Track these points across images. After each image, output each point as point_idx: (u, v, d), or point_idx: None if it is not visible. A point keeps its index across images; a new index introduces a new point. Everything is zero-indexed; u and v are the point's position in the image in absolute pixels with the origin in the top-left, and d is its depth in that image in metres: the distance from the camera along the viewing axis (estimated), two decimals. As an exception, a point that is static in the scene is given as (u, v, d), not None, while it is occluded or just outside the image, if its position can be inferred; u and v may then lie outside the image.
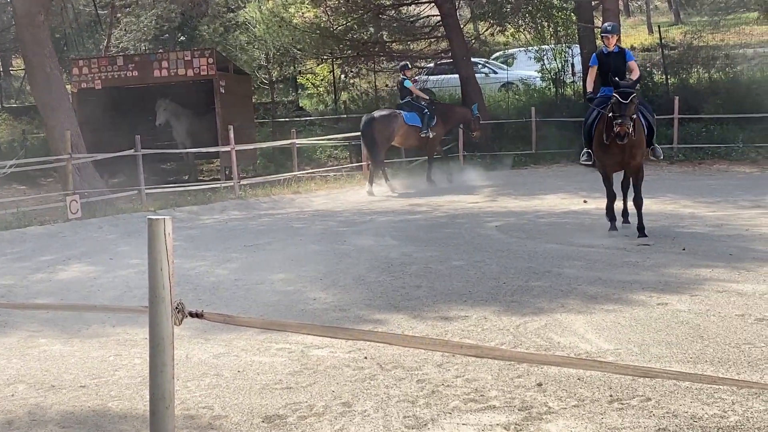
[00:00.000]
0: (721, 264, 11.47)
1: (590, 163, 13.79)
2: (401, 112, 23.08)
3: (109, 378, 7.93)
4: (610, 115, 12.29)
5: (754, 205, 16.89)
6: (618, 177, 14.14)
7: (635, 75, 13.39)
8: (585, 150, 13.59)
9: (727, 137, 24.32)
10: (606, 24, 14.74)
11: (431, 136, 22.89)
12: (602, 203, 17.74)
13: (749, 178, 21.89)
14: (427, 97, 24.15)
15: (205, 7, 34.54)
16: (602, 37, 14.08)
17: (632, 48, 30.94)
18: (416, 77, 24.57)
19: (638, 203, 13.33)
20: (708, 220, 15.43)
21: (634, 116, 12.35)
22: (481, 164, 24.49)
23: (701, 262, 11.64)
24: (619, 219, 14.25)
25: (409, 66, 24.95)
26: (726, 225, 14.75)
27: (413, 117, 22.78)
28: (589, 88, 14.24)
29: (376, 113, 24.02)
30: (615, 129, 12.04)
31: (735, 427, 6.16)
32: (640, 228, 13.20)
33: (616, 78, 12.51)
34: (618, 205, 14.37)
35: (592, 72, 13.75)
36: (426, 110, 22.95)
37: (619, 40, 13.99)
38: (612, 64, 13.31)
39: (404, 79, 23.47)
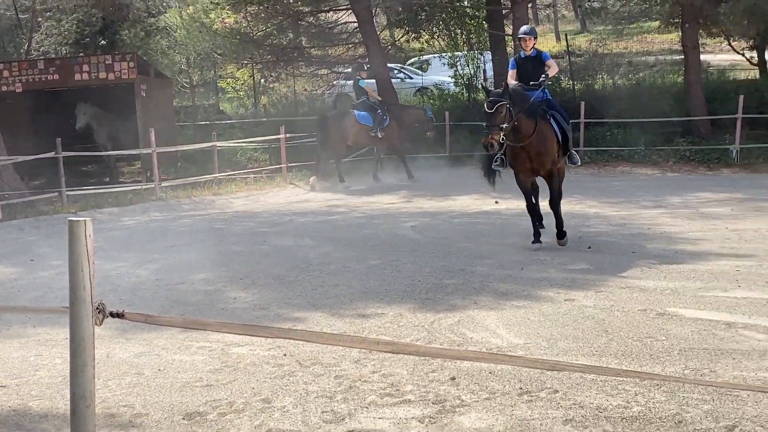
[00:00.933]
0: (625, 261, 11.66)
1: (502, 168, 13.15)
2: (354, 111, 23.20)
3: (30, 378, 7.80)
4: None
5: (656, 205, 17.17)
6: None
7: (553, 71, 12.97)
8: (498, 155, 12.73)
9: (630, 140, 24.64)
10: (523, 27, 13.75)
11: (380, 135, 22.91)
12: (512, 204, 17.92)
13: (651, 179, 22.27)
14: (380, 98, 24.16)
15: (126, 12, 34.14)
16: (519, 39, 13.37)
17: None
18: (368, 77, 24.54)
19: (554, 209, 12.75)
20: (612, 219, 15.63)
21: (505, 125, 11.59)
22: (395, 165, 24.52)
23: (606, 260, 11.82)
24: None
25: (365, 67, 25.03)
26: (629, 224, 14.97)
27: (366, 116, 22.83)
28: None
29: (329, 113, 24.37)
30: (481, 140, 11.74)
31: (638, 417, 6.26)
32: (559, 234, 12.76)
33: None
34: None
35: (511, 76, 12.89)
36: (379, 110, 23.00)
37: (536, 42, 13.16)
38: (530, 67, 12.80)
39: (359, 80, 23.58)
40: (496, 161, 12.80)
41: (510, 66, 13.27)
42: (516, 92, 12.05)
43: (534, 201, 13.11)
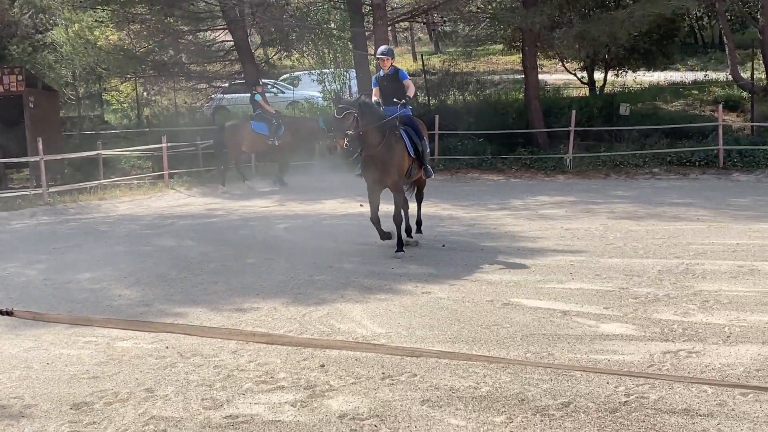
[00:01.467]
0: (474, 258, 11.82)
1: (362, 177, 12.63)
2: (251, 121, 23.29)
3: None
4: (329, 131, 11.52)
5: (501, 207, 17.47)
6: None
7: (410, 92, 12.53)
8: (359, 164, 12.46)
9: (479, 150, 24.98)
10: (381, 47, 13.27)
11: (277, 143, 23.00)
12: (388, 207, 17.85)
13: (497, 185, 22.63)
14: (274, 111, 24.09)
15: (15, 29, 33.05)
16: (378, 59, 13.06)
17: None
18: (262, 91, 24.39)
19: (396, 220, 12.29)
20: (463, 220, 15.84)
21: (350, 132, 11.26)
22: (271, 172, 24.37)
23: (458, 257, 11.96)
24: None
25: (260, 82, 24.93)
26: (478, 224, 15.19)
27: (261, 126, 22.93)
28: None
29: (227, 123, 24.44)
30: (326, 143, 11.29)
31: (486, 396, 6.35)
32: (398, 241, 12.27)
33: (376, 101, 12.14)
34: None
35: (375, 94, 12.53)
36: (275, 121, 23.06)
37: (393, 62, 12.81)
38: (389, 85, 12.48)
39: (254, 94, 23.63)
40: (358, 170, 12.46)
41: (373, 84, 12.96)
42: (366, 104, 11.82)
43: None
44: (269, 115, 23.41)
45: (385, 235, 12.55)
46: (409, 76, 13.48)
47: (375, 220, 12.51)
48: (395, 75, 12.58)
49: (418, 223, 13.63)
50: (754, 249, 11.70)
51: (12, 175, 27.34)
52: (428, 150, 13.34)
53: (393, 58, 12.82)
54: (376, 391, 6.59)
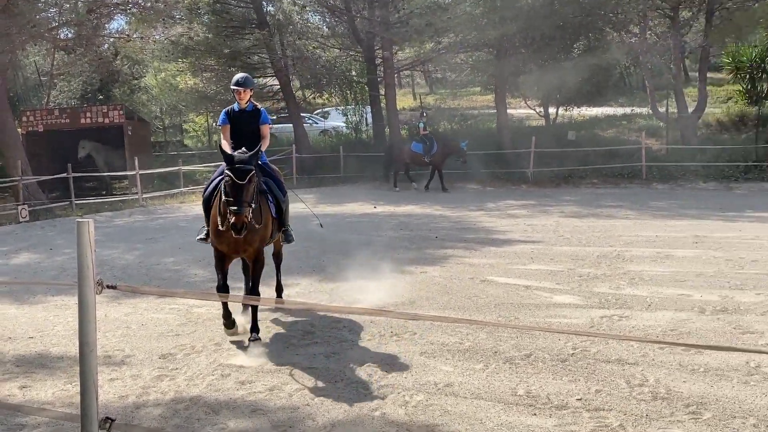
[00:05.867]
0: (460, 246, 11.83)
1: (208, 241, 7.16)
2: (412, 142, 22.81)
3: (50, 331, 7.57)
4: (225, 199, 6.27)
5: (478, 209, 17.42)
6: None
7: (264, 144, 7.07)
8: (203, 227, 7.32)
9: (461, 165, 24.59)
10: (237, 76, 7.09)
11: (427, 160, 22.23)
12: (393, 209, 17.99)
13: (475, 192, 22.43)
14: (427, 132, 23.01)
15: (117, 76, 33.26)
16: (233, 91, 7.11)
17: (402, 109, 31.37)
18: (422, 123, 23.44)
19: (254, 296, 6.69)
20: (451, 218, 15.80)
21: (253, 204, 6.34)
22: (307, 182, 24.35)
23: (447, 245, 11.97)
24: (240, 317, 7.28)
25: (423, 113, 24.45)
26: (462, 221, 15.18)
27: (418, 146, 22.25)
28: (227, 149, 6.65)
29: (395, 142, 24.35)
30: (230, 219, 6.14)
31: (468, 349, 6.36)
32: (253, 327, 6.76)
33: (230, 148, 6.72)
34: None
35: (224, 132, 7.15)
36: (427, 142, 22.27)
37: (252, 96, 7.22)
38: (244, 123, 7.08)
39: (420, 123, 23.08)
40: (200, 233, 7.36)
41: (221, 121, 7.25)
42: (258, 159, 6.63)
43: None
44: (425, 137, 22.46)
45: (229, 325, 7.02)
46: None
47: (225, 306, 7.01)
48: (255, 112, 7.15)
49: (252, 317, 6.94)
50: (669, 240, 11.69)
51: (115, 184, 27.45)
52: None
53: (252, 90, 7.20)
54: (386, 345, 6.62)
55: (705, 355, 5.88)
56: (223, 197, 6.35)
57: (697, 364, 5.75)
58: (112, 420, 3.73)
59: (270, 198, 6.96)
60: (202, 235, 7.26)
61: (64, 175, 20.64)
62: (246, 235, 6.32)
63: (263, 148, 6.96)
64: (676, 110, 25.31)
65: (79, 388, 3.67)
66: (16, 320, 8.10)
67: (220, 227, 6.49)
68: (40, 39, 25.31)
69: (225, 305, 6.95)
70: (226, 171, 6.28)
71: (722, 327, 6.75)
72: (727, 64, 28.18)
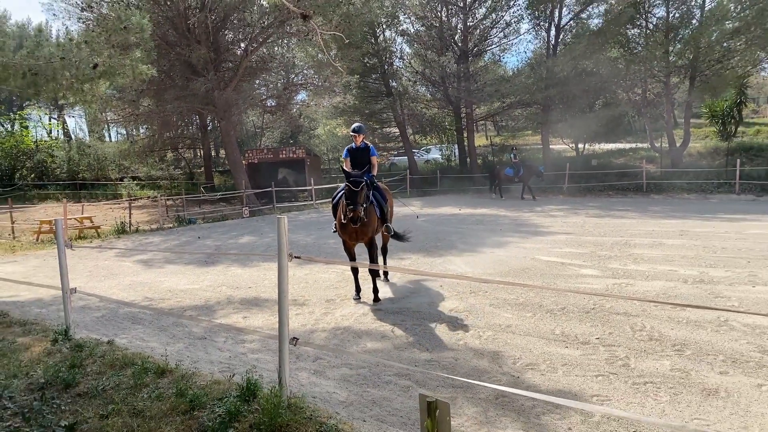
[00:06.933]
0: (516, 235, 11.43)
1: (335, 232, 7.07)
2: (506, 167, 21.08)
3: (261, 284, 7.91)
4: (345, 201, 6.38)
5: (530, 211, 16.69)
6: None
7: (374, 170, 7.01)
8: (334, 222, 6.98)
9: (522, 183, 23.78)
10: (354, 125, 7.05)
11: (516, 179, 20.56)
12: (472, 211, 17.69)
13: (528, 201, 21.67)
14: (517, 160, 20.98)
15: (301, 128, 34.47)
16: (352, 136, 7.01)
17: (478, 146, 30.62)
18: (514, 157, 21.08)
19: (374, 264, 6.68)
20: (510, 218, 15.18)
21: (365, 204, 6.41)
22: (416, 194, 24.27)
23: (508, 234, 11.59)
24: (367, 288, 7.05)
25: (513, 150, 22.56)
26: (518, 219, 14.55)
27: (509, 170, 21.10)
28: (348, 170, 6.62)
29: (496, 167, 22.28)
30: (348, 214, 6.24)
31: (522, 303, 6.13)
32: (374, 289, 6.75)
33: (350, 170, 6.57)
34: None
35: (346, 162, 7.04)
36: (515, 167, 20.53)
37: (364, 138, 7.04)
38: (359, 157, 7.00)
39: (512, 155, 21.29)
40: (334, 227, 6.99)
41: (344, 155, 7.15)
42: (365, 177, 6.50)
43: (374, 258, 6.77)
44: (516, 164, 21.26)
45: (356, 295, 6.84)
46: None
47: (356, 276, 7.11)
48: (366, 149, 7.09)
49: (373, 286, 6.92)
50: (662, 233, 10.85)
51: (300, 195, 28.38)
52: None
53: (363, 134, 7.09)
54: (467, 299, 6.52)
55: (687, 312, 5.46)
56: (344, 201, 6.39)
57: (681, 318, 5.34)
58: (297, 339, 3.89)
59: (376, 204, 6.90)
60: (333, 229, 7.03)
61: (270, 189, 21.48)
62: (360, 226, 6.34)
63: (374, 172, 6.95)
64: (667, 145, 23.66)
65: (277, 319, 3.81)
66: (241, 277, 8.50)
67: (343, 221, 6.46)
68: (255, 106, 26.65)
69: (356, 277, 6.91)
70: (346, 183, 6.30)
71: (700, 293, 6.21)
72: (705, 112, 26.64)
